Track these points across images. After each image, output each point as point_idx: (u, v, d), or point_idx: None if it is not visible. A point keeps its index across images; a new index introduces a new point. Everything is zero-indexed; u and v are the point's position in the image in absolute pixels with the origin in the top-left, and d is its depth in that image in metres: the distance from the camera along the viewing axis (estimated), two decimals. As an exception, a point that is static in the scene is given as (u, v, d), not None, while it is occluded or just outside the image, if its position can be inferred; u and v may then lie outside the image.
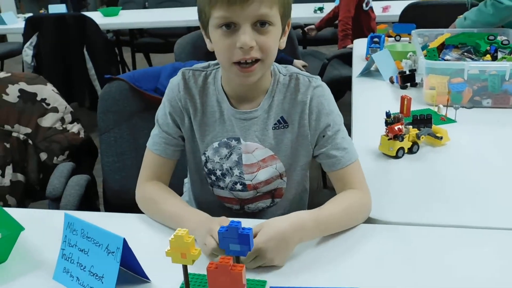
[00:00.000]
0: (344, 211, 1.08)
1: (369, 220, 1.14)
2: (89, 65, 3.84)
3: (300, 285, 0.91)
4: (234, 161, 1.20)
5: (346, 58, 3.51)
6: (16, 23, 4.57)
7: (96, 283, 0.89)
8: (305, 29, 4.01)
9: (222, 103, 1.18)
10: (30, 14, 4.40)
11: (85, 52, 3.80)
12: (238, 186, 1.22)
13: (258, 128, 1.18)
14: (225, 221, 0.98)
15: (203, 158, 1.22)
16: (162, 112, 1.22)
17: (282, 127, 1.17)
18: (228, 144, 1.19)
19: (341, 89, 3.66)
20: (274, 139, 1.18)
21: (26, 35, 3.80)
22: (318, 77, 1.20)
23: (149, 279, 0.94)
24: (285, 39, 1.13)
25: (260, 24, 1.02)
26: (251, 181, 1.21)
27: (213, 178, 1.24)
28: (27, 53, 3.79)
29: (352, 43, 3.28)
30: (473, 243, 1.03)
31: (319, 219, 1.03)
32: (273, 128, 1.18)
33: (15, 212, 1.09)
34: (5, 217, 1.06)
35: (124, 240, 0.86)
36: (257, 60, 1.05)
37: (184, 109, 1.19)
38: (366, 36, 3.33)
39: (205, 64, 1.22)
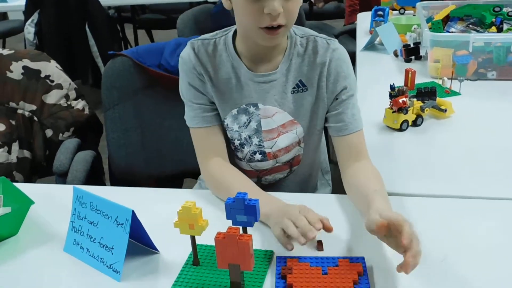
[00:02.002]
0: (383, 186, 1.08)
1: (374, 192, 1.15)
2: (91, 42, 3.81)
3: (305, 255, 0.93)
4: (253, 129, 1.19)
5: (354, 34, 3.50)
6: (17, 0, 4.53)
7: (106, 254, 0.91)
8: (312, 0, 3.98)
9: (238, 68, 1.16)
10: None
11: (87, 29, 3.77)
12: (257, 156, 1.22)
13: (277, 91, 1.17)
14: (304, 209, 0.96)
15: (223, 126, 1.22)
16: (184, 88, 1.20)
17: (301, 90, 1.17)
18: (246, 111, 1.18)
19: (352, 64, 3.66)
20: (294, 103, 1.18)
21: (28, 13, 3.77)
22: (336, 40, 1.19)
23: (158, 250, 0.95)
24: None
25: None
26: (271, 148, 1.21)
27: (232, 148, 1.24)
28: (29, 30, 3.76)
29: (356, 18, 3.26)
30: (475, 213, 1.05)
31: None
32: (292, 92, 1.17)
33: (24, 187, 1.10)
34: (15, 192, 1.08)
35: (133, 212, 0.88)
36: (282, 25, 1.04)
37: (202, 76, 1.17)
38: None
39: (213, 33, 1.21)
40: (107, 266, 0.90)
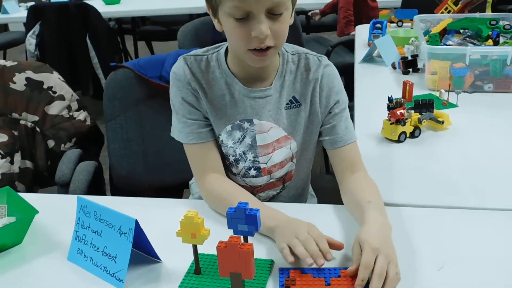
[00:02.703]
0: (380, 197, 1.10)
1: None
2: (92, 53, 3.85)
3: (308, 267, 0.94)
4: (248, 144, 1.20)
5: (350, 45, 3.54)
6: (18, 12, 4.57)
7: (109, 263, 0.92)
8: (309, 13, 4.02)
9: (232, 85, 1.17)
10: (32, 3, 4.40)
11: (88, 41, 3.81)
12: (252, 172, 1.23)
13: (272, 107, 1.18)
14: (312, 229, 0.95)
15: (218, 141, 1.22)
16: (177, 103, 1.19)
17: (295, 106, 1.19)
18: (241, 127, 1.19)
19: (348, 76, 3.70)
20: (288, 119, 1.20)
21: (29, 24, 3.81)
22: (325, 56, 1.22)
23: (160, 259, 0.97)
24: (293, 13, 1.13)
25: (274, 13, 1.02)
26: (266, 164, 1.22)
27: (226, 163, 1.24)
28: (30, 42, 3.80)
29: (354, 30, 3.30)
30: (472, 223, 1.06)
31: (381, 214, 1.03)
32: (286, 108, 1.19)
33: (28, 197, 1.12)
34: (19, 201, 1.09)
35: (136, 221, 0.89)
36: (270, 47, 1.06)
37: (196, 92, 1.17)
38: (363, 24, 3.38)
39: (204, 49, 1.22)
40: (111, 275, 0.92)
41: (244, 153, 1.21)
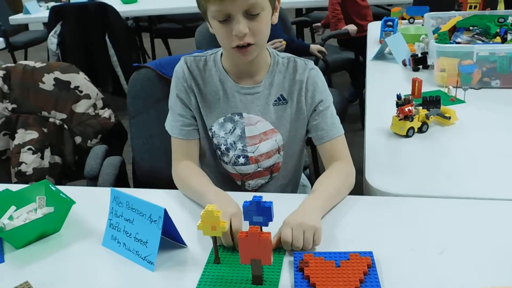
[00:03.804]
0: (335, 189, 1.20)
1: (382, 193, 1.25)
2: (111, 52, 3.95)
3: (318, 250, 1.03)
4: (238, 135, 1.33)
5: (345, 42, 3.65)
6: (39, 12, 4.69)
7: (140, 248, 1.02)
8: (313, 26, 4.15)
9: (225, 82, 1.31)
10: (52, 3, 4.52)
11: (107, 40, 3.91)
12: (241, 160, 1.35)
13: (260, 103, 1.31)
14: (236, 217, 1.06)
15: (210, 133, 1.35)
16: (172, 98, 1.35)
17: (282, 103, 1.32)
18: (232, 119, 1.32)
19: (351, 71, 3.78)
20: (275, 114, 1.32)
21: (50, 24, 3.92)
22: (311, 61, 1.35)
23: (186, 245, 1.06)
24: (276, 14, 1.26)
25: (252, 13, 1.15)
26: (253, 153, 1.34)
27: (218, 153, 1.37)
28: (52, 41, 3.91)
29: (345, 25, 3.42)
30: (475, 212, 1.14)
31: (323, 202, 1.15)
32: (274, 104, 1.32)
33: (62, 189, 1.22)
34: (57, 193, 1.20)
35: (165, 210, 0.99)
36: (251, 44, 1.19)
37: (189, 89, 1.32)
38: (354, 22, 3.42)
39: (204, 52, 1.37)
40: (142, 258, 1.01)
41: (234, 143, 1.34)
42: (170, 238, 1.07)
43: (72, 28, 3.88)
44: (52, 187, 1.22)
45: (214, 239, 1.00)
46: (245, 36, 1.16)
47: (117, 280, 0.99)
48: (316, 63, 3.04)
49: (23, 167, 1.85)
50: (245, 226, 0.96)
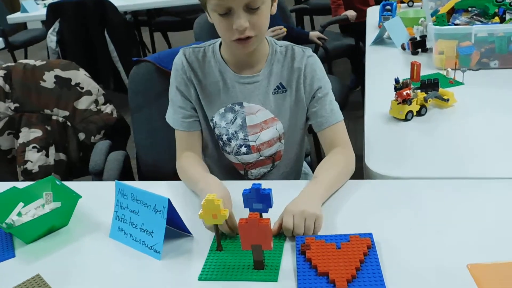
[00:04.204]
0: (335, 176, 1.22)
1: (382, 177, 1.27)
2: (111, 47, 3.96)
3: (320, 233, 1.05)
4: (239, 125, 1.34)
5: (346, 28, 3.64)
6: (37, 10, 4.69)
7: (147, 238, 1.05)
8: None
9: (225, 73, 1.32)
10: (49, 1, 4.52)
11: (106, 35, 3.92)
12: (243, 149, 1.37)
13: (260, 92, 1.33)
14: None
15: (211, 124, 1.37)
16: (172, 91, 1.36)
17: (281, 92, 1.33)
18: (232, 109, 1.34)
19: (352, 58, 3.78)
20: (275, 103, 1.34)
21: (48, 22, 3.92)
22: (309, 48, 1.36)
23: (191, 234, 1.09)
24: (275, 4, 1.27)
25: (252, 7, 1.16)
26: (255, 142, 1.36)
27: (220, 143, 1.39)
28: (51, 39, 3.92)
29: (345, 11, 3.41)
30: (472, 191, 1.16)
31: (324, 189, 1.17)
32: (273, 93, 1.33)
33: (68, 185, 1.25)
34: (63, 188, 1.22)
35: (169, 200, 1.01)
36: (251, 36, 1.20)
37: (189, 81, 1.33)
38: (355, 8, 3.41)
39: (202, 43, 1.38)
40: (149, 248, 1.04)
41: (235, 132, 1.36)
42: (175, 227, 1.09)
43: (70, 25, 3.88)
44: (58, 183, 1.24)
45: (216, 227, 1.02)
46: (246, 30, 1.17)
47: (125, 269, 1.02)
48: (316, 51, 3.06)
49: (29, 165, 1.87)
50: (245, 213, 0.98)
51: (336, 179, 1.22)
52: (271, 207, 1.01)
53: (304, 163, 1.59)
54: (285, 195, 1.11)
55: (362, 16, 3.38)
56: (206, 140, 1.41)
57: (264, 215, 1.00)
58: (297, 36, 2.96)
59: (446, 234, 1.01)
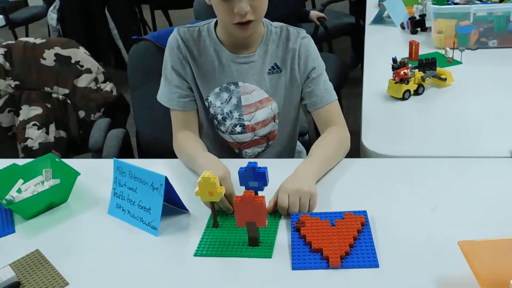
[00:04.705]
0: (330, 154, 1.23)
1: (378, 156, 1.28)
2: (111, 25, 3.94)
3: (315, 211, 1.07)
4: (234, 104, 1.35)
5: (344, 6, 3.61)
6: (37, -13, 4.67)
7: (144, 214, 1.07)
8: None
9: (220, 52, 1.33)
10: (50, -22, 4.48)
11: (107, 13, 3.90)
12: (238, 128, 1.38)
13: (255, 72, 1.33)
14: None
15: (206, 103, 1.38)
16: (167, 70, 1.36)
17: (276, 72, 1.34)
18: (227, 89, 1.35)
19: (353, 36, 3.76)
20: (270, 83, 1.35)
21: (49, -1, 3.92)
22: (304, 30, 1.36)
23: (188, 210, 1.11)
24: None
25: None
26: (249, 121, 1.37)
27: (215, 122, 1.40)
28: (52, 16, 3.91)
29: None
30: (467, 170, 1.18)
31: (318, 167, 1.18)
32: (268, 73, 1.34)
33: (68, 162, 1.26)
34: (62, 166, 1.24)
35: (166, 177, 1.03)
36: (251, 20, 1.20)
37: (184, 59, 1.33)
38: None
39: (196, 23, 1.38)
40: (146, 224, 1.06)
41: (230, 112, 1.37)
42: (173, 204, 1.11)
43: (71, 2, 3.86)
44: (58, 160, 1.26)
45: (212, 204, 1.04)
46: (246, 14, 1.17)
47: (123, 245, 1.04)
48: (316, 29, 3.05)
49: (29, 143, 1.89)
50: (241, 190, 1.00)
51: (330, 157, 1.23)
52: (266, 185, 1.02)
53: (298, 142, 1.61)
54: (280, 173, 1.13)
55: None
56: (201, 119, 1.42)
57: (260, 193, 1.01)
58: (297, 15, 2.95)
59: (440, 212, 1.03)
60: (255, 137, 1.41)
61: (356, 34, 3.56)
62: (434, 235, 0.97)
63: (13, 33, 4.90)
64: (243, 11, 1.16)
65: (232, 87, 1.34)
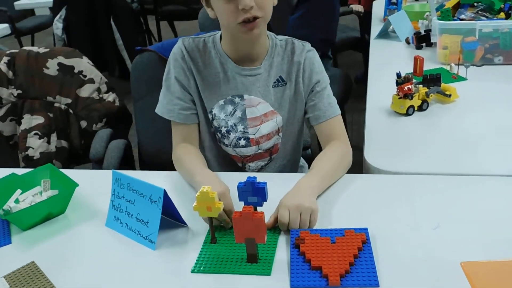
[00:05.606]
0: (331, 169, 1.22)
1: (381, 172, 1.26)
2: (117, 35, 3.96)
3: (315, 227, 1.05)
4: (238, 117, 1.34)
5: (349, 19, 3.61)
6: (44, -4, 4.70)
7: (142, 228, 1.05)
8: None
9: (226, 64, 1.32)
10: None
11: (112, 23, 3.92)
12: (242, 142, 1.37)
13: (261, 84, 1.32)
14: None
15: (210, 116, 1.36)
16: (170, 80, 1.34)
17: (281, 85, 1.33)
18: (232, 101, 1.33)
19: (358, 50, 3.75)
20: (274, 96, 1.34)
21: (55, 8, 3.94)
22: (309, 43, 1.36)
23: (186, 224, 1.09)
24: None
25: None
26: (254, 134, 1.36)
27: (219, 135, 1.39)
28: (57, 26, 3.93)
29: (358, 3, 3.37)
30: (470, 188, 1.15)
31: (319, 182, 1.17)
32: (273, 86, 1.33)
33: (67, 173, 1.25)
34: (61, 176, 1.23)
35: (164, 191, 1.01)
36: (257, 17, 1.19)
37: (188, 71, 1.32)
38: None
39: (201, 34, 1.37)
40: (144, 237, 1.04)
41: (235, 125, 1.35)
42: (171, 218, 1.10)
43: (77, 12, 3.89)
44: (57, 171, 1.25)
45: (210, 219, 1.02)
46: (252, 9, 1.16)
47: (120, 259, 1.02)
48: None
49: (30, 152, 1.89)
50: (240, 205, 0.98)
51: (332, 172, 1.21)
52: (266, 200, 1.01)
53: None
54: (281, 188, 1.11)
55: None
56: (204, 133, 1.40)
57: (259, 208, 1.00)
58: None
59: (442, 231, 1.01)
60: (259, 151, 1.39)
61: (362, 48, 3.57)
62: (436, 255, 0.94)
63: (19, 42, 4.93)
64: (248, 6, 1.15)
65: (237, 99, 1.33)
